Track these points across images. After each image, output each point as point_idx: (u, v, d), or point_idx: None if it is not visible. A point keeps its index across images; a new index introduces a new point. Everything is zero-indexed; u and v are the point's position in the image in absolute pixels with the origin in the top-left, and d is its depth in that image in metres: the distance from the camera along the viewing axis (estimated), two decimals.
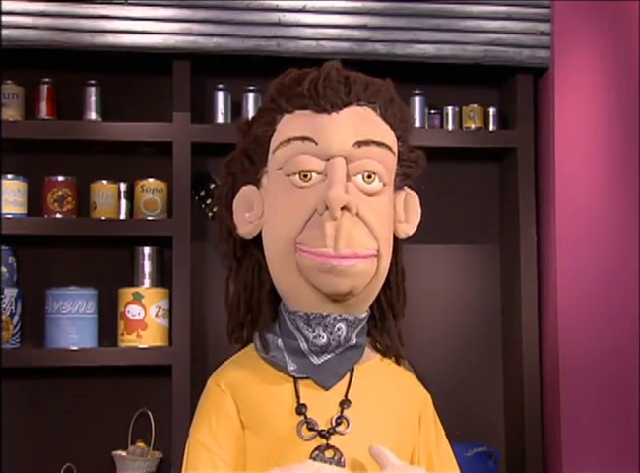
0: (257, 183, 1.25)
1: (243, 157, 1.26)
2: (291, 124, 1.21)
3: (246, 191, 1.25)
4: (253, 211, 1.24)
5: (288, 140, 1.20)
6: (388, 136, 1.23)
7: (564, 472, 2.53)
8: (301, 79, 1.23)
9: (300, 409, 1.18)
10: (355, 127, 1.20)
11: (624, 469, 2.52)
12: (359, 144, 1.19)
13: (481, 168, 2.84)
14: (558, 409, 2.55)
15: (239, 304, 1.27)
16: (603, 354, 2.56)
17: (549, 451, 2.62)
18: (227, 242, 1.29)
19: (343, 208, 1.15)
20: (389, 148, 1.22)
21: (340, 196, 1.14)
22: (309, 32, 2.54)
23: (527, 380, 2.62)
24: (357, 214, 1.17)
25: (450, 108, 2.71)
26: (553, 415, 2.59)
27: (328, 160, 1.18)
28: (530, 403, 2.62)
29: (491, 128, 2.72)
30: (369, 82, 1.25)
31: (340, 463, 1.15)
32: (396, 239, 1.27)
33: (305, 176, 1.18)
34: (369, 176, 1.19)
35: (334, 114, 1.20)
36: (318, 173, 1.18)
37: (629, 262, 2.60)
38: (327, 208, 1.14)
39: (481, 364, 2.78)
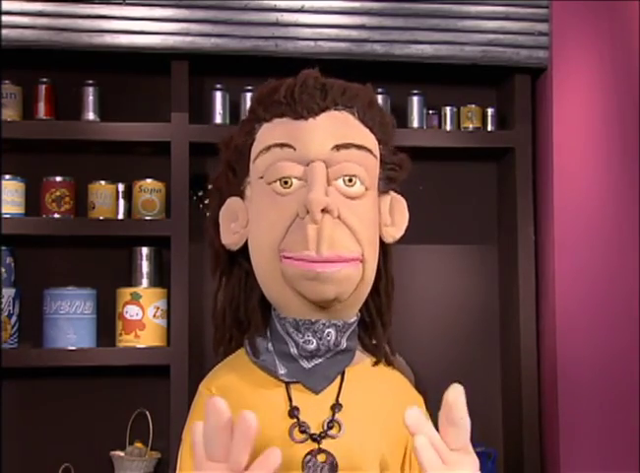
0: (241, 194, 1.25)
1: (227, 169, 1.27)
2: (270, 132, 1.21)
3: (231, 203, 1.25)
4: (238, 221, 1.24)
5: (268, 148, 1.20)
6: (368, 139, 1.23)
7: (562, 472, 2.53)
8: (278, 87, 1.23)
9: (292, 412, 1.17)
10: (334, 131, 1.19)
11: (623, 469, 2.52)
12: (338, 147, 1.19)
13: (480, 169, 2.84)
14: (556, 409, 2.56)
15: (225, 316, 1.27)
16: (601, 353, 2.56)
17: (547, 451, 2.62)
18: (215, 257, 1.29)
19: (323, 211, 1.14)
20: (369, 151, 1.22)
21: (320, 199, 1.14)
22: (307, 32, 2.54)
23: (525, 381, 2.62)
24: (339, 217, 1.16)
25: (448, 109, 2.71)
26: (551, 415, 2.59)
27: (307, 165, 1.18)
28: (528, 403, 2.62)
29: (489, 128, 2.72)
30: (347, 87, 1.25)
31: (332, 467, 1.15)
32: (386, 246, 1.27)
33: (286, 183, 1.18)
34: (350, 180, 1.19)
35: (311, 120, 1.20)
36: (298, 179, 1.18)
37: (628, 262, 2.60)
38: (308, 212, 1.14)
39: (479, 364, 2.79)
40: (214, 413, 0.97)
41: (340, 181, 1.18)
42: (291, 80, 1.24)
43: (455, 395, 1.06)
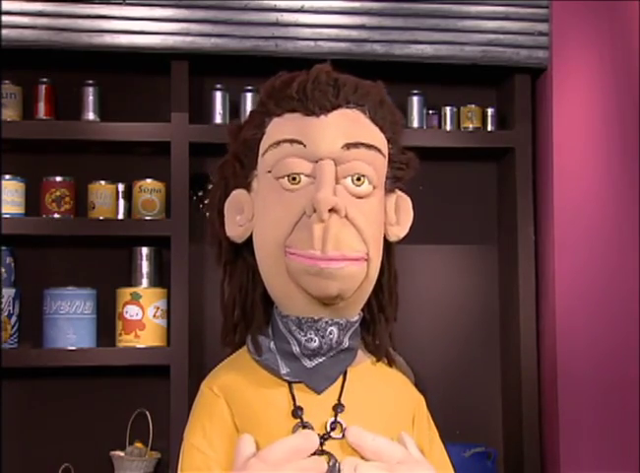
0: (248, 187, 1.25)
1: (234, 160, 1.26)
2: (280, 127, 1.21)
3: (237, 195, 1.25)
4: (243, 214, 1.24)
5: (277, 143, 1.20)
6: (377, 138, 1.23)
7: (562, 472, 2.53)
8: (291, 82, 1.23)
9: (296, 412, 1.17)
10: (344, 130, 1.19)
11: (623, 469, 2.52)
12: (348, 146, 1.19)
13: (479, 169, 2.84)
14: (556, 409, 2.56)
15: (234, 306, 1.27)
16: (601, 353, 2.56)
17: (547, 451, 2.62)
18: (219, 246, 1.29)
19: (331, 210, 1.14)
20: (378, 150, 1.22)
21: (328, 198, 1.14)
22: (307, 32, 2.54)
23: (525, 380, 2.62)
24: (346, 216, 1.16)
25: (448, 109, 2.71)
26: (551, 415, 2.59)
27: (317, 162, 1.18)
28: (528, 403, 2.62)
29: (489, 128, 2.72)
30: (359, 84, 1.24)
31: (335, 468, 1.15)
32: (389, 242, 1.27)
33: (294, 179, 1.18)
34: (358, 179, 1.19)
35: (322, 117, 1.20)
36: (307, 176, 1.18)
37: (628, 262, 2.60)
38: (315, 210, 1.14)
39: (480, 364, 2.79)
40: (310, 441, 1.12)
41: (348, 180, 1.18)
42: (304, 75, 1.23)
43: (352, 436, 1.14)
